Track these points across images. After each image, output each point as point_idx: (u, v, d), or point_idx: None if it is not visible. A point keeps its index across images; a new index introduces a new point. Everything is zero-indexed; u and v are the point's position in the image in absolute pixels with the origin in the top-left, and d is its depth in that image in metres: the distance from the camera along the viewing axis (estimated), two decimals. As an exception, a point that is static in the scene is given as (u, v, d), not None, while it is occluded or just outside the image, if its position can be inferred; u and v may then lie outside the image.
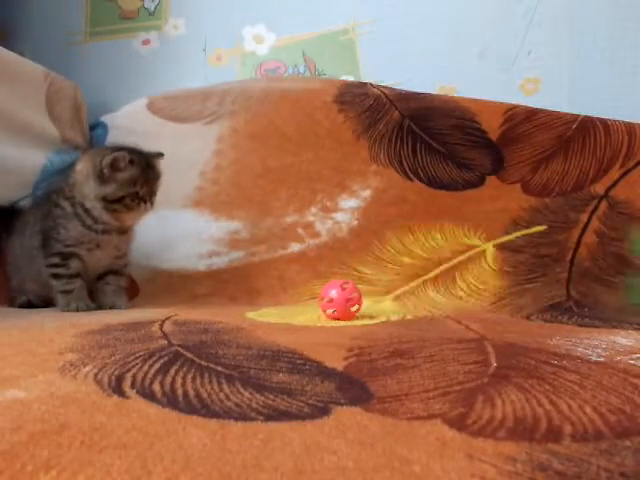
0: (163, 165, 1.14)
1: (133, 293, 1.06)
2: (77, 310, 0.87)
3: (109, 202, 0.86)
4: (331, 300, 0.77)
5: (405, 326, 0.73)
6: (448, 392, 0.40)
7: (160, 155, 0.93)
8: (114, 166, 0.85)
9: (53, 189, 0.94)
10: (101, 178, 0.86)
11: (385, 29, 1.34)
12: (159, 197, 0.93)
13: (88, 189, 0.87)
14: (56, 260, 0.90)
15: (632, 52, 1.24)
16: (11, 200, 1.05)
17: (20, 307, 0.96)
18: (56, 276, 0.90)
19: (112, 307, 0.92)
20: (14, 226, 0.98)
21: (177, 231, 1.06)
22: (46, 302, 0.95)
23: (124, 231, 0.92)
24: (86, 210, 0.88)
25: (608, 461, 0.29)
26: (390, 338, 0.59)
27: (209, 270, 1.08)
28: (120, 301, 0.93)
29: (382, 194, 1.10)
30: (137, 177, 0.87)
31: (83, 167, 0.89)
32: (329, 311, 0.78)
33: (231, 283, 1.05)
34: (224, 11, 1.41)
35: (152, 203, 0.90)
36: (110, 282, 0.95)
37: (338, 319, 0.77)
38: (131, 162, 0.86)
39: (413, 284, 1.03)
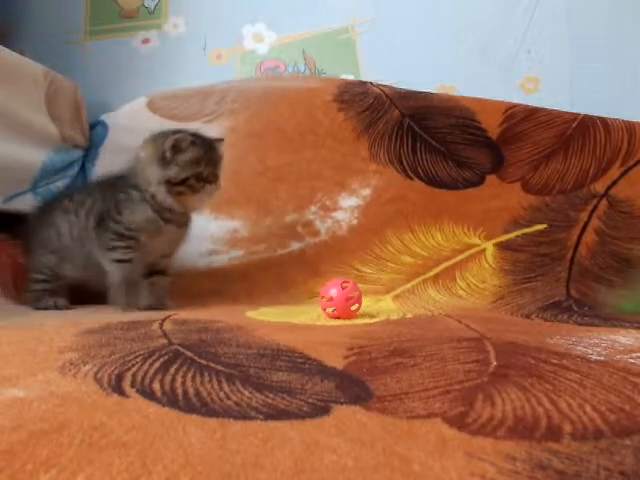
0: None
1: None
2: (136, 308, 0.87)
3: (173, 185, 0.86)
4: (331, 299, 0.77)
5: (405, 325, 0.73)
6: (448, 391, 0.40)
7: (221, 140, 0.93)
8: (176, 148, 0.85)
9: (116, 175, 0.93)
10: (164, 161, 0.85)
11: (385, 28, 1.34)
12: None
13: (151, 174, 0.86)
14: (117, 243, 0.88)
15: (632, 52, 1.24)
16: (7, 194, 1.05)
17: (45, 309, 0.91)
18: (117, 261, 0.88)
19: (161, 308, 0.89)
20: (58, 205, 0.96)
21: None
22: (78, 291, 0.95)
23: (183, 223, 0.92)
24: (152, 196, 0.87)
25: (608, 460, 0.29)
26: (390, 337, 0.59)
27: (209, 269, 1.08)
28: (170, 302, 0.92)
29: (382, 193, 1.10)
30: (200, 158, 0.86)
31: (145, 152, 0.88)
32: (329, 310, 0.78)
33: (231, 282, 1.05)
34: (224, 10, 1.41)
35: (218, 184, 0.90)
36: (158, 282, 0.94)
37: (338, 318, 0.77)
38: (193, 143, 0.85)
39: (413, 283, 1.03)
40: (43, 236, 0.94)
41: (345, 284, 0.78)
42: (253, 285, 0.97)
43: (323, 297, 0.79)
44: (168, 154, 0.85)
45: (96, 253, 0.90)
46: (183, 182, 0.86)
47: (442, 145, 1.13)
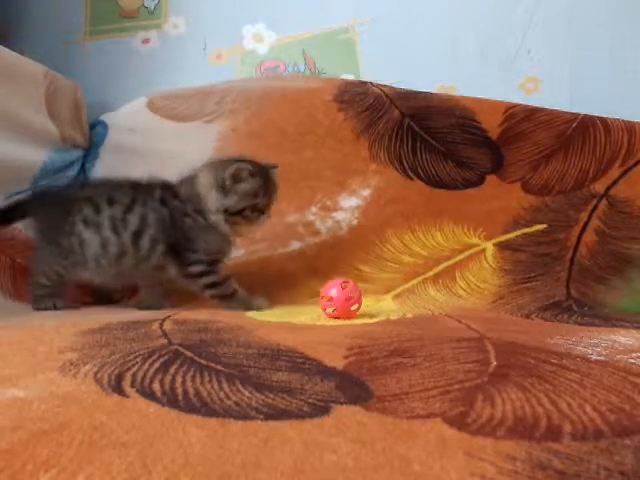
0: (163, 164, 1.14)
1: (134, 290, 1.06)
2: (258, 309, 0.88)
3: (230, 214, 0.87)
4: (331, 299, 0.77)
5: (405, 325, 0.73)
6: (448, 391, 0.40)
7: (275, 167, 0.93)
8: (236, 177, 0.85)
9: (168, 194, 0.91)
10: (223, 189, 0.86)
11: (385, 28, 1.34)
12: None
13: (210, 202, 0.87)
14: (200, 268, 0.89)
15: (632, 52, 1.24)
16: (7, 193, 1.05)
17: (45, 309, 0.90)
18: (209, 285, 0.89)
19: (159, 307, 0.93)
20: (77, 212, 0.90)
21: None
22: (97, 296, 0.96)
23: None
24: (214, 223, 0.88)
25: (608, 460, 0.29)
26: (390, 337, 0.59)
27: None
28: (166, 302, 0.96)
29: (382, 193, 1.10)
30: (258, 189, 0.87)
31: (205, 179, 0.88)
32: (329, 310, 0.78)
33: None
34: (224, 10, 1.41)
35: (269, 215, 0.91)
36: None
37: (338, 318, 0.77)
38: (252, 174, 0.86)
39: (413, 282, 1.03)
40: (60, 244, 0.90)
41: (345, 284, 0.78)
42: (253, 284, 0.97)
43: (323, 297, 0.79)
44: (228, 183, 0.85)
45: (169, 274, 0.91)
46: (239, 212, 0.87)
47: (442, 145, 1.13)
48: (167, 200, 0.90)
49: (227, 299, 0.89)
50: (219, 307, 0.89)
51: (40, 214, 0.94)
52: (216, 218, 0.87)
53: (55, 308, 0.90)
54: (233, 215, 0.87)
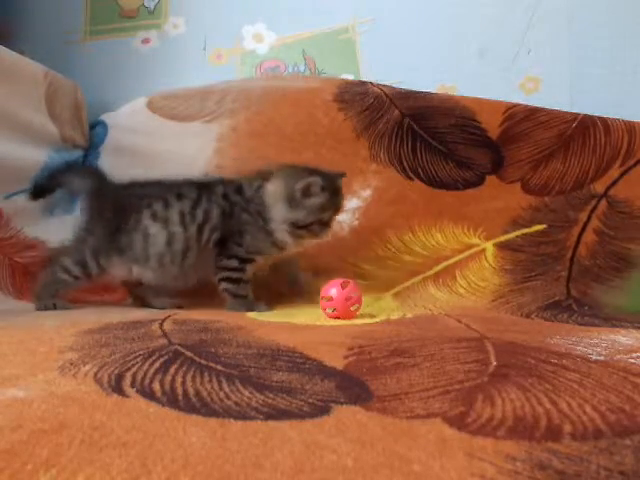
0: (164, 164, 1.14)
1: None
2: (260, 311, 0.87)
3: (296, 227, 0.87)
4: (331, 299, 0.77)
5: (405, 325, 0.73)
6: (448, 391, 0.40)
7: (343, 175, 0.93)
8: (306, 192, 0.85)
9: (231, 190, 0.91)
10: (292, 203, 0.86)
11: (385, 28, 1.34)
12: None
13: (277, 212, 0.87)
14: (234, 264, 0.89)
15: (632, 52, 1.24)
16: (7, 192, 1.05)
17: (45, 309, 0.89)
18: (231, 280, 0.89)
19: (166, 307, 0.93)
20: (145, 208, 0.90)
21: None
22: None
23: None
24: (272, 231, 0.88)
25: (608, 460, 0.29)
26: (390, 337, 0.59)
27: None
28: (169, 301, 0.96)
29: (382, 193, 1.10)
30: (326, 204, 0.86)
31: (274, 189, 0.88)
32: (329, 310, 0.78)
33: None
34: (224, 10, 1.41)
35: (331, 227, 0.91)
36: None
37: (338, 318, 0.77)
38: (323, 189, 0.85)
39: (413, 280, 1.03)
40: (118, 240, 0.89)
41: (345, 284, 0.78)
42: (253, 284, 0.97)
43: (323, 297, 0.79)
44: (298, 196, 0.85)
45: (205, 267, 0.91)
46: (306, 226, 0.87)
47: (442, 145, 1.13)
48: (229, 195, 0.91)
49: (237, 299, 0.89)
50: (219, 307, 0.89)
51: (101, 203, 0.93)
52: (278, 228, 0.88)
53: (55, 308, 0.90)
54: (299, 228, 0.87)
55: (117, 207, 0.91)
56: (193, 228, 0.89)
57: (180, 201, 0.90)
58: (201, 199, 0.90)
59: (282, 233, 0.88)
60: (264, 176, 0.91)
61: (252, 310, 0.87)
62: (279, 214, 0.87)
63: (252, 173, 0.94)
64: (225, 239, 0.89)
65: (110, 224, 0.90)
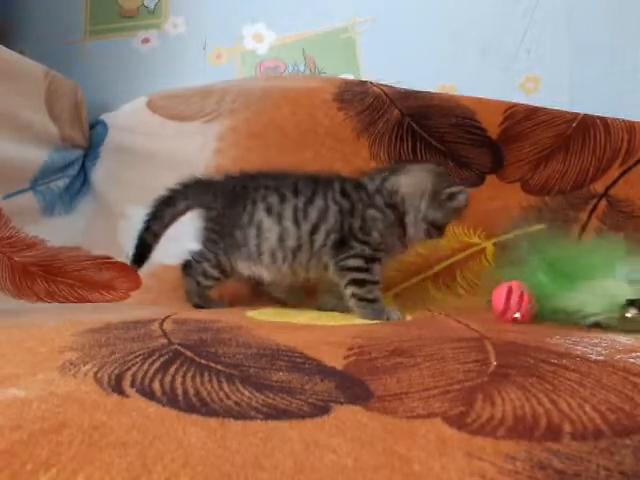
0: (163, 164, 1.14)
1: (134, 286, 1.06)
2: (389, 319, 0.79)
3: (433, 227, 0.85)
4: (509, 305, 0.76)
5: (405, 325, 0.73)
6: (448, 391, 0.40)
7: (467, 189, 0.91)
8: (452, 197, 0.83)
9: (350, 186, 0.87)
10: (435, 202, 0.84)
11: (385, 27, 1.34)
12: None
13: (416, 206, 0.85)
14: (359, 262, 0.83)
15: (632, 52, 1.24)
16: (7, 192, 1.05)
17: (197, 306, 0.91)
18: (356, 282, 0.82)
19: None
20: (260, 200, 0.87)
21: (181, 227, 1.05)
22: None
23: None
24: (404, 224, 0.85)
25: (608, 460, 0.29)
26: (390, 337, 0.59)
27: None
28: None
29: (382, 193, 1.10)
30: (460, 210, 0.86)
31: (415, 182, 0.85)
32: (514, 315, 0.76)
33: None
34: (224, 10, 1.41)
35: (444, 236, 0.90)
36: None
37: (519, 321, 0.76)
38: (465, 197, 0.85)
39: (413, 281, 1.03)
40: (234, 236, 0.88)
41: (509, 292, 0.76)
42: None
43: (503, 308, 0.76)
44: (443, 197, 0.83)
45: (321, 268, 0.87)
46: (440, 227, 0.86)
47: (442, 145, 1.13)
48: (348, 191, 0.86)
49: (367, 303, 0.82)
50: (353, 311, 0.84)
51: (213, 204, 0.92)
52: (412, 222, 0.85)
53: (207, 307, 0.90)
54: (434, 228, 0.85)
55: (231, 202, 0.89)
56: (306, 227, 0.84)
57: (295, 197, 0.86)
58: (315, 196, 0.86)
59: (416, 229, 0.85)
60: (388, 170, 0.89)
61: (381, 318, 0.79)
62: (420, 210, 0.84)
63: (370, 170, 0.92)
64: (345, 239, 0.84)
65: (229, 221, 0.89)
